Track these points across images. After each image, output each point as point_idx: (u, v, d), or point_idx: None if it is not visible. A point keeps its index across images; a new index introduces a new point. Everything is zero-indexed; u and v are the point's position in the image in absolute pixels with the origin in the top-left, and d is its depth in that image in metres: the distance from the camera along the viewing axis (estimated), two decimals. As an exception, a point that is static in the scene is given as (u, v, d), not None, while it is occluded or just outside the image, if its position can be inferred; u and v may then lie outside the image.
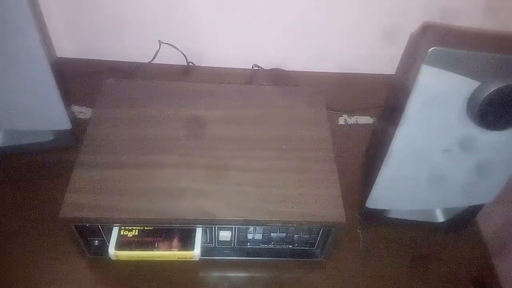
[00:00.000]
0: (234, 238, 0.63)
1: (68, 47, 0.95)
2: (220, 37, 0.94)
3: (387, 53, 0.93)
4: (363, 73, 0.98)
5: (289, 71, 0.97)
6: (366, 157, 0.79)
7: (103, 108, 0.69)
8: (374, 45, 0.95)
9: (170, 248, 0.58)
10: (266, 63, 0.96)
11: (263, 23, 0.91)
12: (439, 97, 0.52)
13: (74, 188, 0.58)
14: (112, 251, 0.58)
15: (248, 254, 0.65)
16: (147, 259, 0.59)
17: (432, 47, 0.48)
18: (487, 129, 0.54)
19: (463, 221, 0.71)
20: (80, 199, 0.57)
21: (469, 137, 0.56)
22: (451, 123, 0.54)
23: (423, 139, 0.56)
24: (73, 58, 0.96)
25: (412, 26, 0.77)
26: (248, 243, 0.64)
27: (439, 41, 0.48)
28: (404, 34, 0.74)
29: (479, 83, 0.49)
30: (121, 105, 0.70)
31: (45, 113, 0.69)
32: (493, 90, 0.49)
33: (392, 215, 0.71)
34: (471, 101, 0.51)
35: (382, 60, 0.95)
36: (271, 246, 0.65)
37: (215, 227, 0.60)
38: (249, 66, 0.96)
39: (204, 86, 0.75)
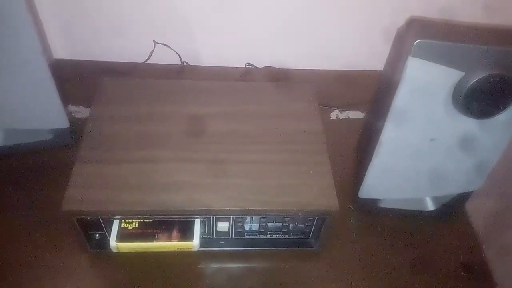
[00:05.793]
0: (232, 229, 0.65)
1: (63, 49, 0.96)
2: (213, 37, 0.96)
3: (378, 49, 0.95)
4: (355, 70, 1.00)
5: (281, 68, 0.99)
6: (358, 149, 0.82)
7: (101, 106, 0.71)
8: (366, 42, 0.96)
9: (170, 239, 0.60)
10: (259, 62, 0.98)
11: (256, 23, 0.93)
12: (426, 88, 0.54)
13: (76, 183, 0.59)
14: (113, 243, 0.59)
15: (245, 245, 0.67)
16: (147, 250, 0.61)
17: (417, 39, 0.50)
18: (471, 117, 0.56)
19: (453, 209, 0.74)
20: (81, 193, 0.58)
21: (455, 126, 0.58)
22: (438, 112, 0.56)
23: (412, 129, 0.59)
24: (68, 59, 0.97)
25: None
26: (245, 234, 0.66)
27: (424, 34, 0.51)
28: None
29: (463, 73, 0.52)
30: (118, 102, 0.71)
31: (44, 112, 0.71)
32: (476, 80, 0.51)
33: (384, 204, 0.73)
34: (456, 91, 0.53)
35: (372, 57, 0.97)
36: (267, 236, 0.67)
37: (213, 218, 0.62)
38: (242, 65, 0.98)
39: (199, 84, 0.77)
